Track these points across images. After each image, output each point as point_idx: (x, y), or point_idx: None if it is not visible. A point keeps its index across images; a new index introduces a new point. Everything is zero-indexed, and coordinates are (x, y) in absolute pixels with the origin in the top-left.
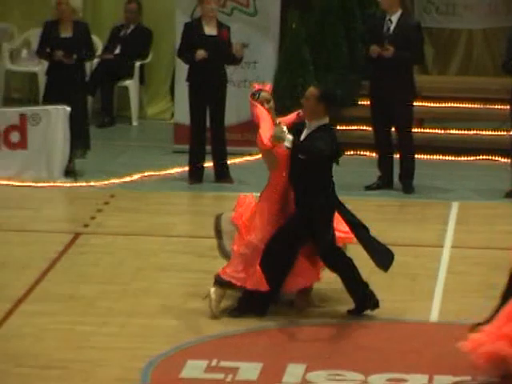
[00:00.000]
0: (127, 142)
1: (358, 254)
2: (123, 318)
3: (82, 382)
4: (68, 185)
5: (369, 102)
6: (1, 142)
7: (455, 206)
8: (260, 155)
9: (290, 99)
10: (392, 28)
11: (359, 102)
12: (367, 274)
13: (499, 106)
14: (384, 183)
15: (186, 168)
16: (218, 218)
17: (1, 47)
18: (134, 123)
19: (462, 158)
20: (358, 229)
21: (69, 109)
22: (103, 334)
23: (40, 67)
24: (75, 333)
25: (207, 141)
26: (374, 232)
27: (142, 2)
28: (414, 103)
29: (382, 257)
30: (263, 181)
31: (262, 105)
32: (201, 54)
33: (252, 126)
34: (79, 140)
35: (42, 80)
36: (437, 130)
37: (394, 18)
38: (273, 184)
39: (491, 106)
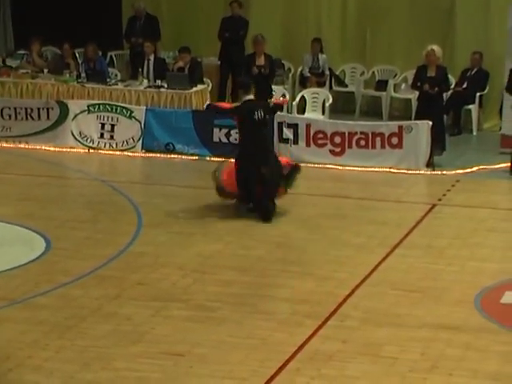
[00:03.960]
0: (468, 145)
1: None
2: (464, 260)
3: (435, 301)
4: (428, 173)
5: None
6: (386, 144)
7: None
8: None
9: None
10: None
11: None
12: None
13: None
14: None
15: (508, 164)
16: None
17: (387, 82)
18: (474, 133)
19: None
20: None
21: (430, 123)
22: (449, 271)
23: (413, 95)
24: (429, 269)
25: None
26: None
27: (484, 52)
28: None
29: None
30: None
31: None
32: None
33: None
34: (438, 144)
35: (414, 104)
36: None
37: None
38: None
39: None
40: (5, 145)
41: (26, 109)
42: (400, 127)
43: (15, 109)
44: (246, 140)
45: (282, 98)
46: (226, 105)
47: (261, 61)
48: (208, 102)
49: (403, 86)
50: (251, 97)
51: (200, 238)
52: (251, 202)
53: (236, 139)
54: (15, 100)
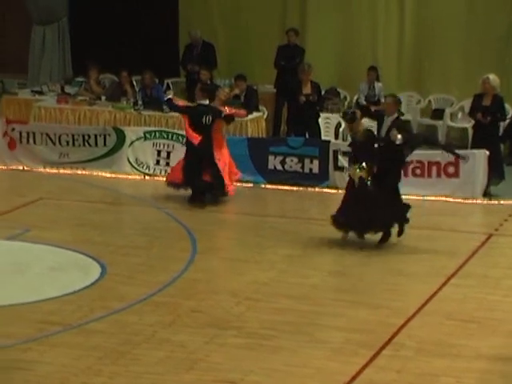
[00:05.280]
0: None
1: None
2: None
3: (491, 332)
4: (485, 202)
5: None
6: (442, 172)
7: None
8: None
9: None
10: None
11: None
12: None
13: None
14: None
15: None
16: None
17: (444, 110)
18: None
19: None
20: None
21: (487, 152)
22: (505, 301)
23: (469, 124)
24: (487, 300)
25: None
26: None
27: None
28: None
29: None
30: None
31: None
32: None
33: None
34: (495, 173)
35: (471, 133)
36: None
37: None
38: None
39: None
40: (62, 171)
41: (83, 135)
42: (456, 156)
43: (73, 135)
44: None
45: (239, 110)
46: (181, 103)
47: (307, 89)
48: (169, 97)
49: (460, 114)
50: (206, 102)
51: (254, 266)
52: (192, 187)
53: (291, 167)
54: (73, 127)
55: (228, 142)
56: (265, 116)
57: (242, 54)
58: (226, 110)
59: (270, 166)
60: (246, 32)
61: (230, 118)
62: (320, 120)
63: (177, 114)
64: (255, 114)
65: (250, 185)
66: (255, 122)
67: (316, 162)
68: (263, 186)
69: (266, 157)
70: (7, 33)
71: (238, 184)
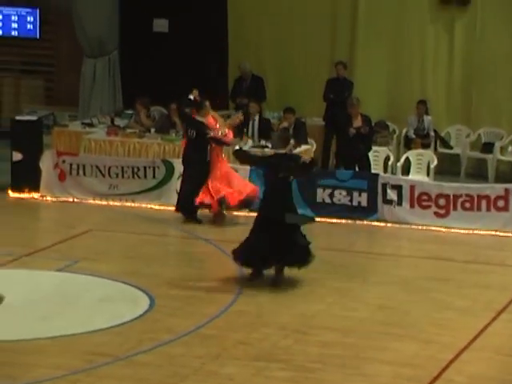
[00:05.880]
0: None
1: None
2: None
3: None
4: None
5: None
6: (491, 206)
7: None
8: None
9: None
10: None
11: None
12: None
13: None
14: None
15: None
16: None
17: (493, 144)
18: None
19: None
20: None
21: None
22: None
23: None
24: None
25: None
26: None
27: None
28: None
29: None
30: None
31: None
32: None
33: None
34: None
35: None
36: None
37: None
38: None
39: None
40: (111, 203)
41: (132, 167)
42: (506, 190)
43: (122, 167)
44: None
45: (227, 137)
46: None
47: (358, 122)
48: (190, 97)
49: (510, 148)
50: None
51: (302, 298)
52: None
53: (340, 200)
54: (122, 159)
55: None
56: (313, 149)
57: (291, 86)
58: (225, 132)
59: (319, 199)
60: (295, 65)
61: (216, 141)
62: (369, 153)
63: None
64: (304, 147)
65: None
66: (304, 155)
67: (364, 195)
68: None
69: (314, 189)
70: (59, 66)
71: None
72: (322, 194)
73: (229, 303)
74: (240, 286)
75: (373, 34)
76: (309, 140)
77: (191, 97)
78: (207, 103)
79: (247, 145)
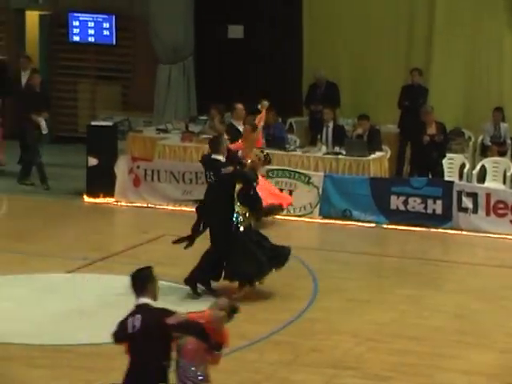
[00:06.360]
0: None
1: None
2: None
3: None
4: None
5: None
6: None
7: None
8: None
9: None
10: None
11: None
12: None
13: None
14: None
15: None
16: None
17: None
18: None
19: None
20: None
21: None
22: None
23: None
24: None
25: None
26: None
27: None
28: None
29: None
30: None
31: None
32: None
33: None
34: None
35: None
36: None
37: None
38: None
39: None
40: (185, 208)
41: None
42: None
43: (196, 173)
44: None
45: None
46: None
47: (432, 129)
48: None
49: None
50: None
51: (374, 306)
52: None
53: (414, 207)
54: (197, 164)
55: (350, 181)
56: (388, 156)
57: (365, 93)
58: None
59: (393, 206)
60: (370, 72)
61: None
62: (444, 160)
63: (299, 153)
64: (378, 154)
65: (372, 225)
66: (378, 162)
67: (439, 203)
68: (385, 226)
69: (388, 197)
70: (135, 72)
71: (361, 223)
72: (395, 201)
73: (301, 310)
74: (313, 293)
75: (449, 40)
76: (383, 147)
77: (259, 106)
78: (239, 106)
79: (321, 151)
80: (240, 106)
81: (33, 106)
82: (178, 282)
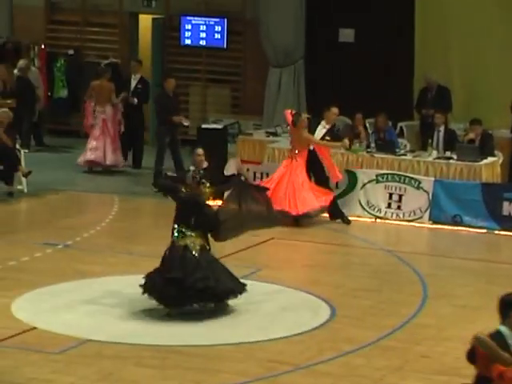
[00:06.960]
0: None
1: None
2: None
3: None
4: None
5: None
6: None
7: None
8: None
9: None
10: None
11: None
12: None
13: None
14: None
15: None
16: None
17: None
18: None
19: None
20: None
21: None
22: None
23: None
24: None
25: None
26: None
27: None
28: None
29: None
30: None
31: None
32: None
33: None
34: None
35: None
36: None
37: None
38: None
39: None
40: None
41: None
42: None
43: None
44: None
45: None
46: None
47: None
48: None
49: None
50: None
51: (486, 313)
52: None
53: None
54: None
55: (461, 186)
56: (500, 161)
57: (478, 97)
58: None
59: (505, 212)
60: (482, 76)
61: None
62: None
63: (409, 158)
64: (490, 159)
65: (484, 231)
66: (490, 167)
67: None
68: (497, 232)
69: (500, 203)
70: (245, 75)
71: (471, 229)
72: (508, 208)
73: (410, 315)
74: (422, 298)
75: None
76: (495, 152)
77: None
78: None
79: (431, 155)
80: (334, 110)
81: (172, 109)
82: (286, 285)
